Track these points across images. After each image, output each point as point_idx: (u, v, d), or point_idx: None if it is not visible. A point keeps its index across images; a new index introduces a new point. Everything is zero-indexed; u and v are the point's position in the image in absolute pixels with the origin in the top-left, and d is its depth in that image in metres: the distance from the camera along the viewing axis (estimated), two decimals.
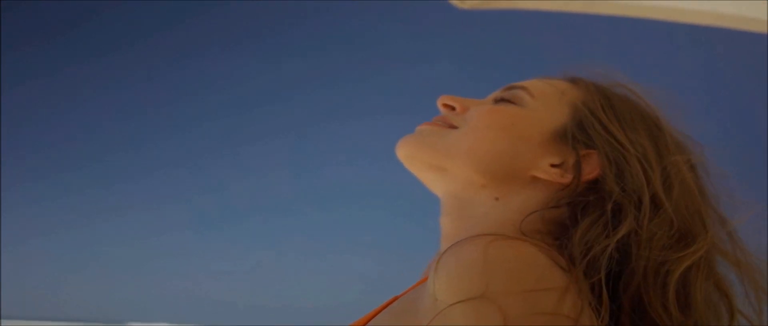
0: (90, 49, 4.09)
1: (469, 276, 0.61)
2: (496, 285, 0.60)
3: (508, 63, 2.96)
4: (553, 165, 0.80)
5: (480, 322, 0.58)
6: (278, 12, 3.80)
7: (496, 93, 0.87)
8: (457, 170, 0.81)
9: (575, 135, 0.81)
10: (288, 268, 3.90)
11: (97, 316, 3.97)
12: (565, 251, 0.70)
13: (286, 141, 3.92)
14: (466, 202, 0.82)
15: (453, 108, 0.86)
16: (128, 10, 3.98)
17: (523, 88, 0.85)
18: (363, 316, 0.75)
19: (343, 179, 3.80)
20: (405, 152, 0.84)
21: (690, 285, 0.74)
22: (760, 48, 1.77)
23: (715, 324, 0.76)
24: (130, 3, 3.97)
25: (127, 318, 3.96)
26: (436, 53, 3.44)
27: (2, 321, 3.62)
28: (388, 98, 3.57)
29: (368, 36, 3.71)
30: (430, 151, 0.83)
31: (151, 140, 4.14)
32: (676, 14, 1.68)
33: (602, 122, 0.82)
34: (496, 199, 0.80)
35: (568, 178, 0.79)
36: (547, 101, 0.84)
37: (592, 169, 0.79)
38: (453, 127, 0.84)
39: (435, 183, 0.85)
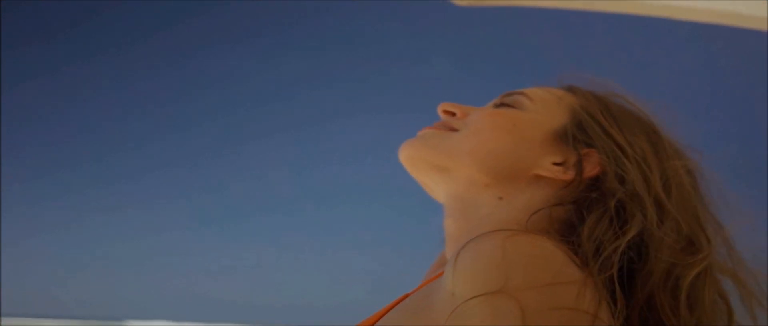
0: (90, 49, 4.09)
1: (488, 270, 0.61)
2: (514, 279, 0.60)
3: (508, 61, 2.96)
4: (554, 163, 0.81)
5: (499, 317, 0.58)
6: (278, 12, 3.79)
7: (496, 100, 0.89)
8: (461, 170, 0.82)
9: (575, 135, 0.83)
10: (288, 266, 3.89)
11: (96, 314, 3.97)
12: (575, 248, 0.71)
13: (286, 139, 3.92)
14: (469, 202, 0.82)
15: (453, 114, 0.87)
16: (128, 10, 3.98)
17: (522, 93, 0.87)
18: (371, 315, 0.75)
19: (343, 178, 3.80)
20: (408, 154, 0.85)
21: (699, 290, 0.75)
22: (760, 45, 1.77)
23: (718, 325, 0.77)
24: (130, 3, 3.96)
25: (126, 316, 3.96)
26: (436, 52, 3.44)
27: (2, 319, 3.62)
28: (389, 97, 3.57)
29: (368, 35, 3.71)
30: (433, 152, 0.83)
31: (151, 140, 4.13)
32: (675, 11, 1.68)
33: (601, 125, 0.83)
34: (500, 198, 0.81)
35: (570, 175, 0.80)
36: (546, 105, 0.86)
37: (593, 167, 0.80)
38: (454, 130, 0.85)
39: (438, 185, 0.85)
